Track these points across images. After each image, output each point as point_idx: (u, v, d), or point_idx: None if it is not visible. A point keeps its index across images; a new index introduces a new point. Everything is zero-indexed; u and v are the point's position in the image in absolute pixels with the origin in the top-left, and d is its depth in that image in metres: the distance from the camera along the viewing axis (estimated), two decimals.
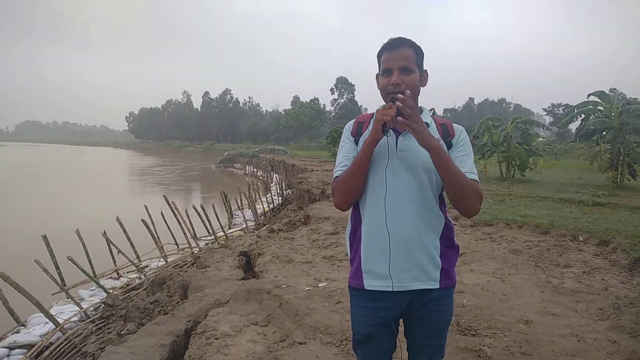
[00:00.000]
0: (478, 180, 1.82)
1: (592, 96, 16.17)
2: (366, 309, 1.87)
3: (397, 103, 1.67)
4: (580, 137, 16.93)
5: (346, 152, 1.92)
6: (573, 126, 19.60)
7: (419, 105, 1.93)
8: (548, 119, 60.73)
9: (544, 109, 64.17)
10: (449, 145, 1.87)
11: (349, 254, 1.98)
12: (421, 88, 1.90)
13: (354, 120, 2.01)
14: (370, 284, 1.83)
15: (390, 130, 1.79)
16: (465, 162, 1.84)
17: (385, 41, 1.87)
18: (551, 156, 31.69)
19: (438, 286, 1.83)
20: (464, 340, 3.50)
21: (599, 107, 16.15)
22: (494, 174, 18.72)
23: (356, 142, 1.91)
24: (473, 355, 3.27)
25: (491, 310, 4.15)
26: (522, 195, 11.76)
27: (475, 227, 7.90)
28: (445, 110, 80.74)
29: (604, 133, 16.26)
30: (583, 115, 16.56)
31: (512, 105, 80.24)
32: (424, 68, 1.90)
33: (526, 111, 73.73)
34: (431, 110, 23.35)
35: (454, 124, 1.93)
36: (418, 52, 1.85)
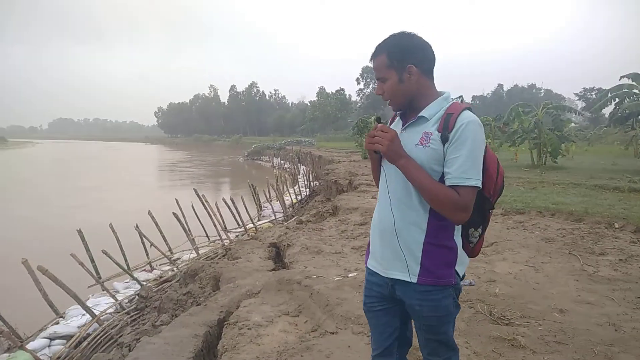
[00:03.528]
0: (470, 184, 1.67)
1: (624, 78, 15.69)
2: (366, 281, 2.08)
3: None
4: (614, 121, 16.51)
5: None
6: (606, 111, 19.13)
7: (439, 90, 1.82)
8: (580, 104, 59.22)
9: (576, 94, 62.63)
10: (445, 140, 1.69)
11: None
12: (419, 85, 1.77)
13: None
14: (369, 262, 2.05)
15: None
16: (453, 163, 1.68)
17: None
18: (584, 142, 31.00)
19: (415, 281, 1.81)
20: (497, 330, 3.45)
21: (634, 90, 15.68)
22: (525, 162, 18.37)
23: None
24: (506, 344, 3.23)
25: (525, 299, 4.09)
26: (555, 183, 11.52)
27: (506, 216, 7.78)
28: (474, 97, 79.57)
29: None
30: (617, 99, 16.12)
31: (542, 91, 78.31)
32: (410, 64, 1.73)
33: (557, 96, 72.07)
34: (459, 97, 22.94)
35: (462, 114, 1.71)
36: (392, 54, 1.74)
